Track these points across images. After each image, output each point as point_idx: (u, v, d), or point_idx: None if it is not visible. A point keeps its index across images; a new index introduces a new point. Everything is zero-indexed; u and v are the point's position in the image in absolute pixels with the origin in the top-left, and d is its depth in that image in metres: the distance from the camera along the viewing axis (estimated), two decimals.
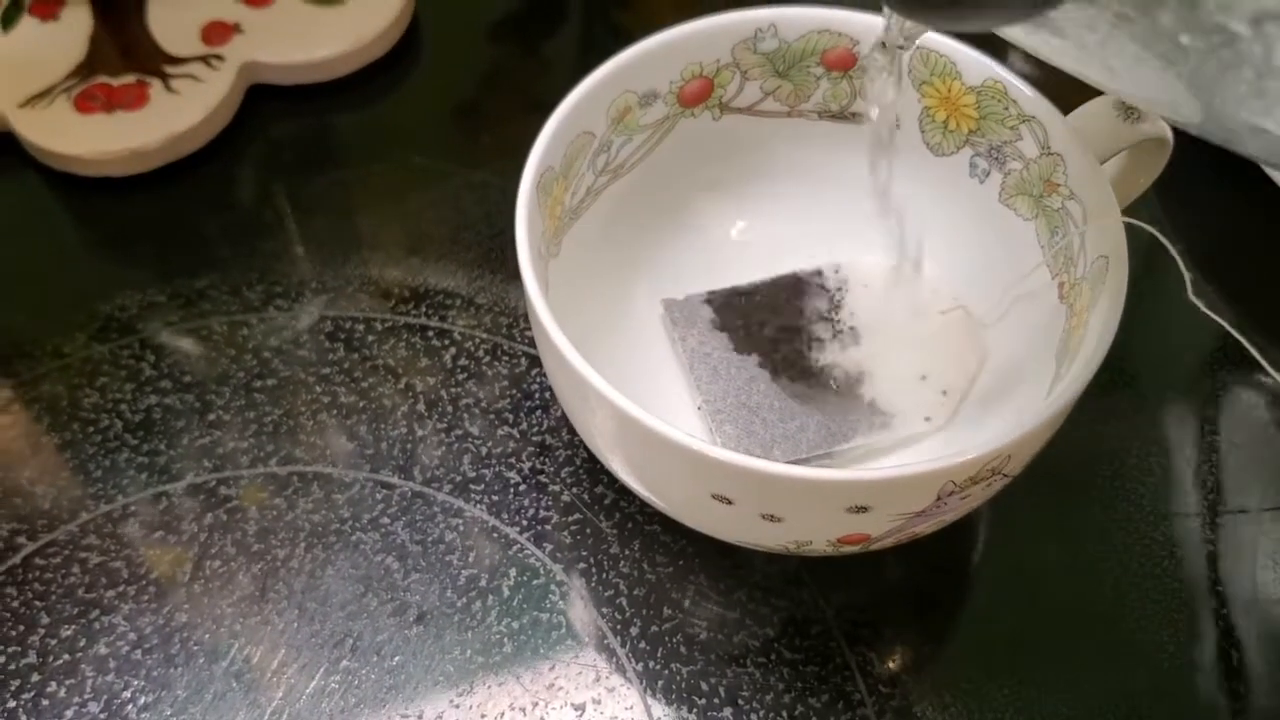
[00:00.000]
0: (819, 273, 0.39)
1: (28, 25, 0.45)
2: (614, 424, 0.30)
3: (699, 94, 0.37)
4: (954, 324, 0.37)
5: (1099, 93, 0.34)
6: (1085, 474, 0.37)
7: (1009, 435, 0.28)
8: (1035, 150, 0.35)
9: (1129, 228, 0.31)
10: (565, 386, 0.32)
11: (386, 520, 0.36)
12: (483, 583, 0.35)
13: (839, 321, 0.38)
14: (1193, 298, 0.31)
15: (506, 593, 0.35)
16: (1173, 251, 0.31)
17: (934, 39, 0.35)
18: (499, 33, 0.49)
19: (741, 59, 0.37)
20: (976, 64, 0.35)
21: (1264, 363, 0.31)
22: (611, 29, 0.51)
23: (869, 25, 0.36)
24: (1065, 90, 0.35)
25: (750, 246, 0.39)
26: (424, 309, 0.40)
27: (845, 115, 0.38)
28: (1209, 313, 0.31)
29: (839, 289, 0.38)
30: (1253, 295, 0.40)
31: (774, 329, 0.37)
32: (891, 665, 0.34)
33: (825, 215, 0.39)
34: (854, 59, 0.36)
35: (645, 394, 0.32)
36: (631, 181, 0.38)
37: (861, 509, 0.29)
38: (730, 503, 0.30)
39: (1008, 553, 0.37)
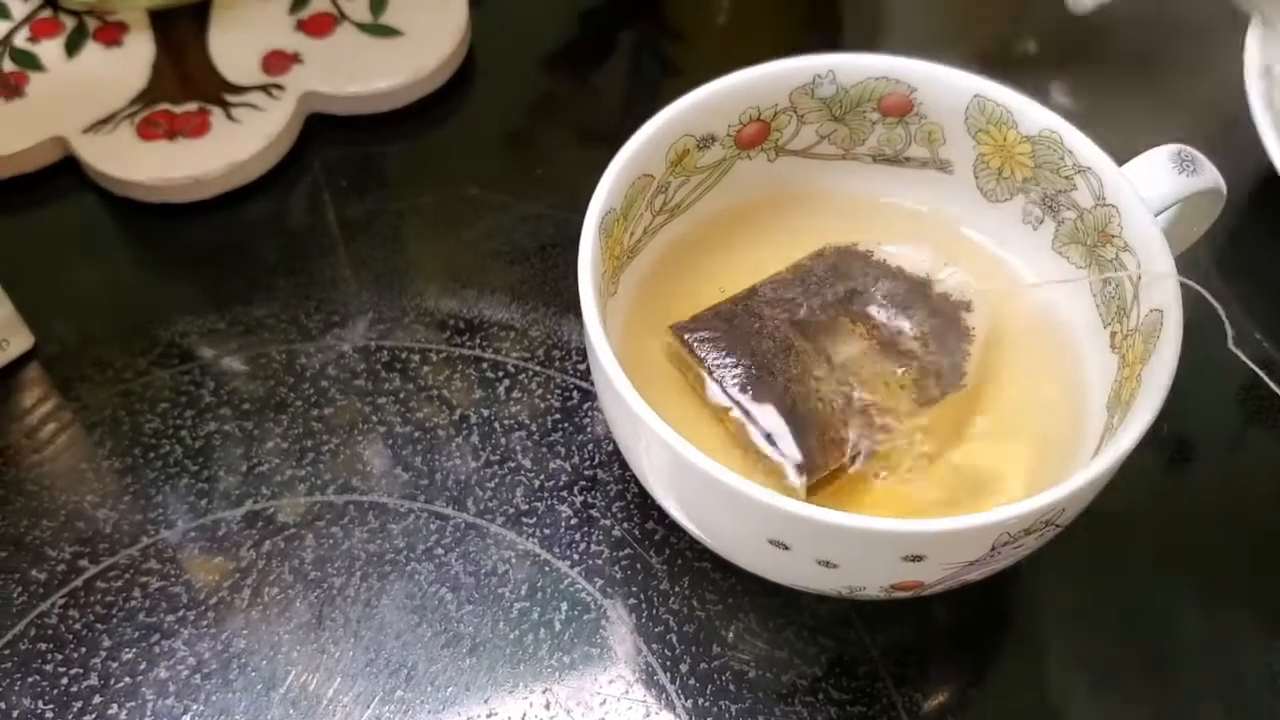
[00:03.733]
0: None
1: (91, 51, 0.46)
2: (669, 466, 0.31)
3: (756, 137, 0.38)
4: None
5: (1155, 144, 0.35)
6: (1133, 523, 0.38)
7: (1065, 489, 0.29)
8: (1090, 201, 0.35)
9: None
10: (621, 426, 0.32)
11: (441, 551, 0.37)
12: (534, 616, 0.36)
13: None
14: (1233, 347, 0.31)
15: (558, 626, 0.36)
16: (1217, 306, 0.31)
17: (989, 88, 0.36)
18: (551, 63, 0.50)
19: (799, 104, 0.37)
20: (1033, 114, 0.35)
21: None
22: (660, 60, 0.52)
23: (925, 73, 0.36)
24: (1121, 141, 0.35)
25: None
26: (478, 340, 0.41)
27: (898, 160, 0.39)
28: (1249, 362, 0.31)
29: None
30: None
31: (784, 325, 0.36)
32: (937, 706, 0.35)
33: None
34: (910, 105, 0.37)
35: (699, 432, 0.32)
36: (687, 220, 0.38)
37: (917, 558, 0.29)
38: (787, 548, 0.30)
39: (1055, 598, 0.37)
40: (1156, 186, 0.34)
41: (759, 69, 0.36)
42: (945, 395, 0.35)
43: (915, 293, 0.37)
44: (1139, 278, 0.33)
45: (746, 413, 0.34)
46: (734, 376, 0.35)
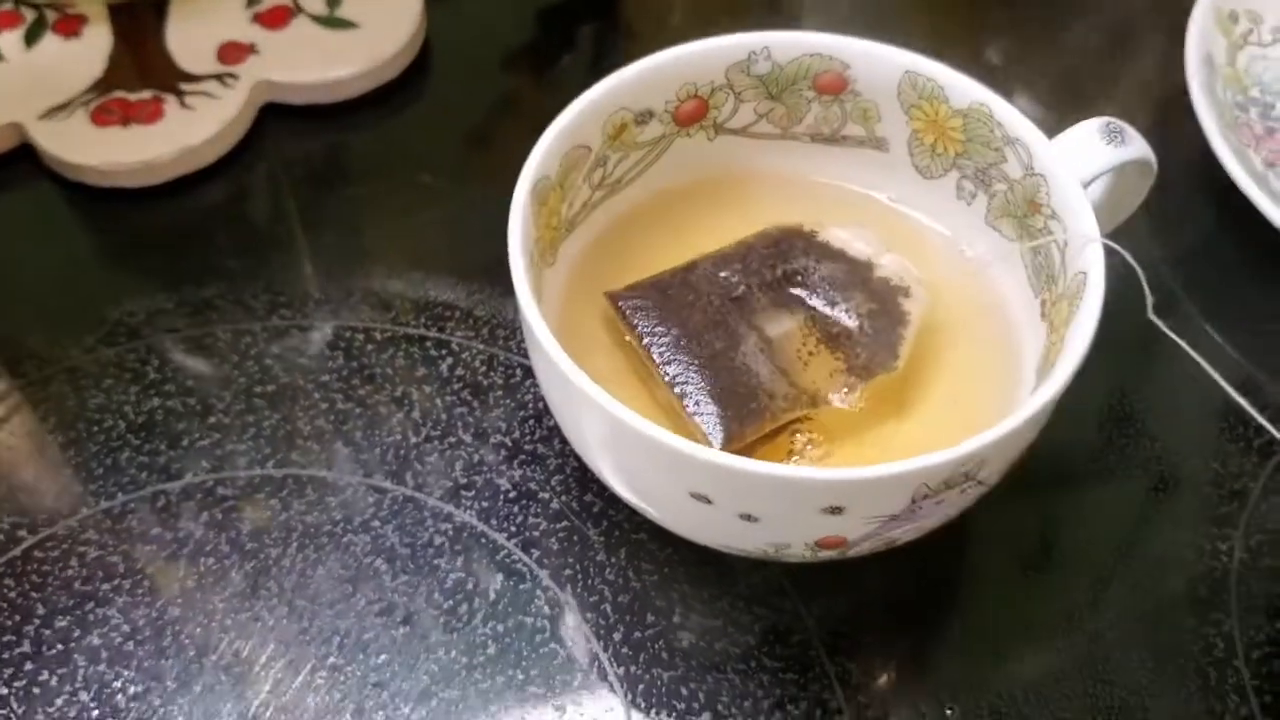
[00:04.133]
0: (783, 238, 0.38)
1: (50, 42, 0.47)
2: (595, 420, 0.31)
3: (694, 114, 0.38)
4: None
5: (1084, 117, 0.35)
6: (1071, 492, 0.38)
7: (978, 441, 0.29)
8: (1019, 171, 0.35)
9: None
10: (549, 382, 0.33)
11: (377, 523, 0.37)
12: (469, 586, 0.36)
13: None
14: (1152, 316, 0.31)
15: (492, 596, 0.36)
16: (1137, 269, 0.32)
17: (921, 63, 0.36)
18: (508, 59, 0.51)
19: (735, 81, 0.38)
20: (963, 87, 0.36)
21: (1224, 382, 0.32)
22: (617, 56, 0.52)
23: (858, 49, 0.37)
24: (1050, 115, 0.36)
25: None
26: (423, 320, 0.41)
27: (836, 139, 0.39)
28: (1169, 333, 0.31)
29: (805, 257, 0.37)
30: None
31: (720, 300, 0.36)
32: (869, 675, 0.35)
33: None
34: (845, 82, 0.37)
35: (631, 398, 0.33)
36: (628, 197, 0.39)
37: (836, 509, 0.30)
38: (709, 502, 0.30)
39: (990, 567, 0.37)
40: (1085, 156, 0.34)
41: (694, 45, 0.37)
42: (875, 376, 0.35)
43: (855, 275, 0.37)
44: (1065, 243, 0.34)
45: (672, 380, 0.35)
46: (662, 345, 0.35)
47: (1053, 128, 0.35)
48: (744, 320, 0.36)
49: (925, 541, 0.33)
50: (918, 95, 0.37)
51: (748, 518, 0.30)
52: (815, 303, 0.36)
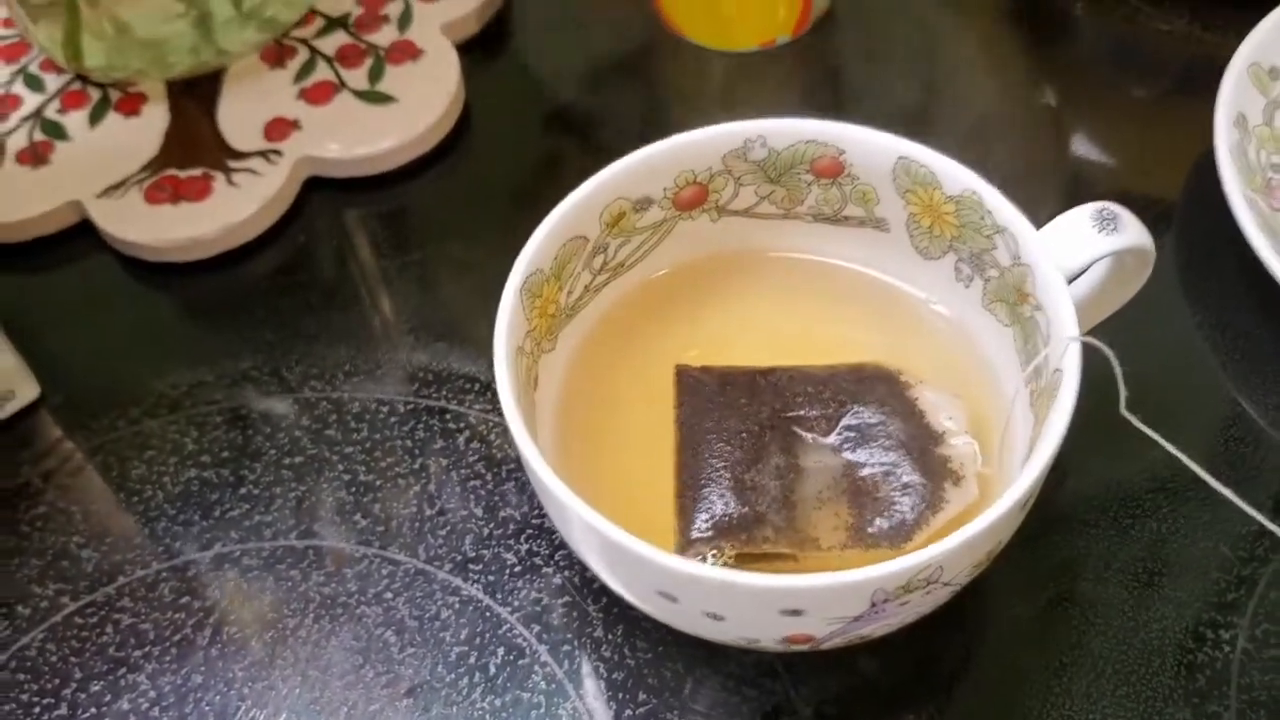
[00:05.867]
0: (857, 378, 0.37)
1: (112, 120, 0.50)
2: (565, 519, 0.32)
3: (695, 200, 0.39)
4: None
5: (1077, 203, 0.35)
6: (1066, 583, 0.38)
7: (936, 549, 0.29)
8: (1008, 260, 0.35)
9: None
10: (528, 472, 0.34)
11: (389, 595, 0.39)
12: (471, 660, 0.37)
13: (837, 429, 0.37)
14: (1124, 412, 0.31)
15: (493, 670, 0.37)
16: (1116, 368, 0.32)
17: (914, 150, 0.36)
18: (546, 126, 0.52)
19: (734, 167, 0.38)
20: (955, 174, 0.36)
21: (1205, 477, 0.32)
22: (668, 121, 0.53)
23: (852, 135, 0.37)
24: (1042, 204, 0.36)
25: (746, 337, 0.40)
26: (444, 392, 0.43)
27: (837, 219, 0.39)
28: (1142, 427, 0.31)
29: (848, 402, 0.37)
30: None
31: (771, 413, 0.37)
32: None
33: (821, 312, 0.40)
34: (841, 167, 0.38)
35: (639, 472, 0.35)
36: (633, 278, 0.40)
37: (795, 612, 0.30)
38: (675, 600, 0.31)
39: (986, 654, 0.37)
40: (1074, 245, 0.34)
41: (689, 135, 0.38)
42: (878, 548, 0.34)
43: (917, 443, 0.36)
44: (1048, 338, 0.34)
45: (680, 465, 0.36)
46: (691, 428, 0.36)
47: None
48: (780, 441, 0.36)
49: (921, 624, 0.34)
50: (911, 181, 0.37)
51: (713, 616, 0.31)
52: (861, 454, 0.36)
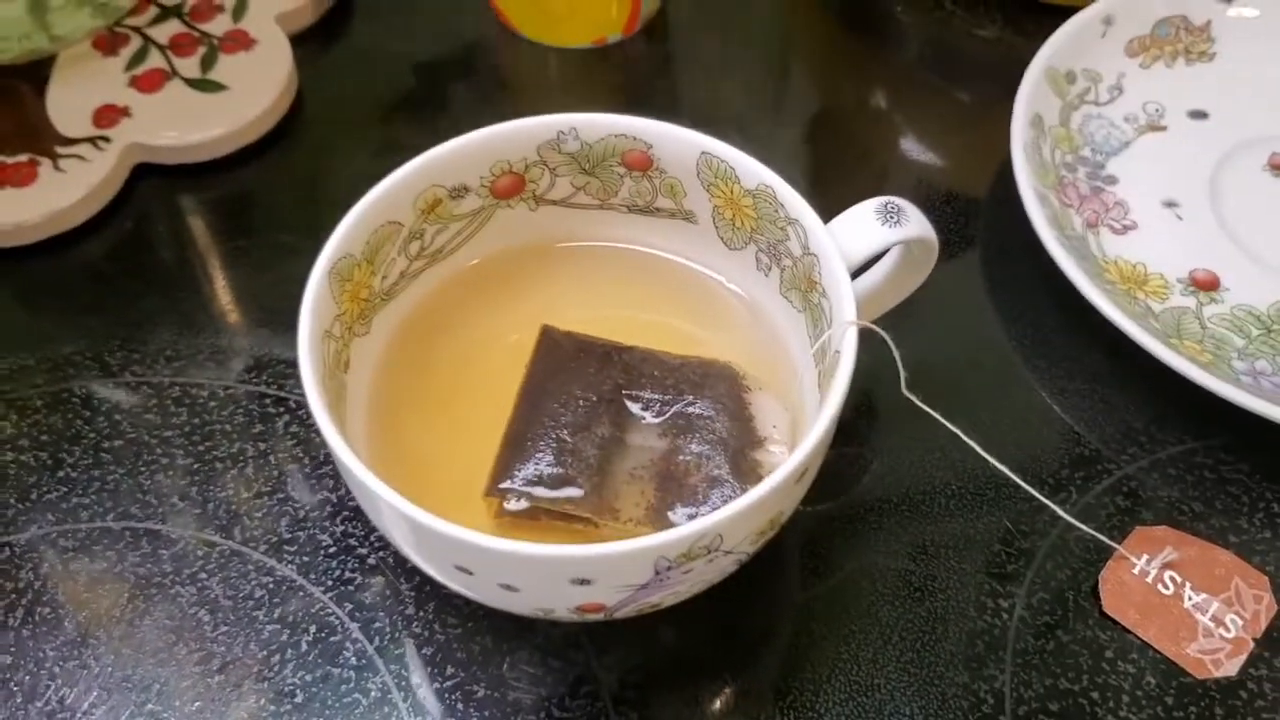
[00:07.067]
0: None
1: None
2: (360, 492, 0.33)
3: (512, 188, 0.40)
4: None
5: (863, 195, 0.37)
6: (858, 556, 0.40)
7: (709, 520, 0.31)
8: (799, 250, 0.37)
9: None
10: (333, 456, 0.35)
11: (204, 576, 0.39)
12: (284, 637, 0.38)
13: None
14: (905, 392, 0.33)
15: (304, 647, 0.38)
16: (895, 352, 0.34)
17: (714, 145, 0.38)
18: (382, 116, 0.53)
19: (548, 158, 0.40)
20: (752, 169, 0.38)
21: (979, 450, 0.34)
22: (496, 110, 0.54)
23: (658, 131, 0.39)
24: (858, 200, 0.37)
25: (565, 321, 0.42)
26: (265, 378, 0.44)
27: (650, 210, 0.41)
28: (922, 405, 0.33)
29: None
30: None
31: (614, 387, 0.38)
32: None
33: (639, 299, 0.42)
34: (650, 160, 0.39)
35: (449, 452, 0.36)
36: (453, 264, 0.41)
37: (584, 581, 0.32)
38: (471, 573, 0.33)
39: (782, 624, 0.39)
40: (860, 236, 0.36)
41: (503, 125, 0.39)
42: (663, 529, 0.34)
43: (738, 443, 0.37)
44: (830, 321, 0.36)
45: (513, 417, 0.38)
46: (533, 386, 0.38)
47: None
48: (613, 414, 0.38)
49: (719, 597, 0.35)
50: (714, 175, 0.39)
51: (508, 587, 0.33)
52: (681, 442, 0.37)
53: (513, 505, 0.36)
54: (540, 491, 0.36)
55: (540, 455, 0.36)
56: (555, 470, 0.36)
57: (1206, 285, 0.45)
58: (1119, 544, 0.39)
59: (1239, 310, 0.45)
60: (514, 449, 0.37)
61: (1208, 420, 0.43)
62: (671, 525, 0.35)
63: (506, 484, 0.36)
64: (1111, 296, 0.42)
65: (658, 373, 0.38)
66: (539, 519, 0.36)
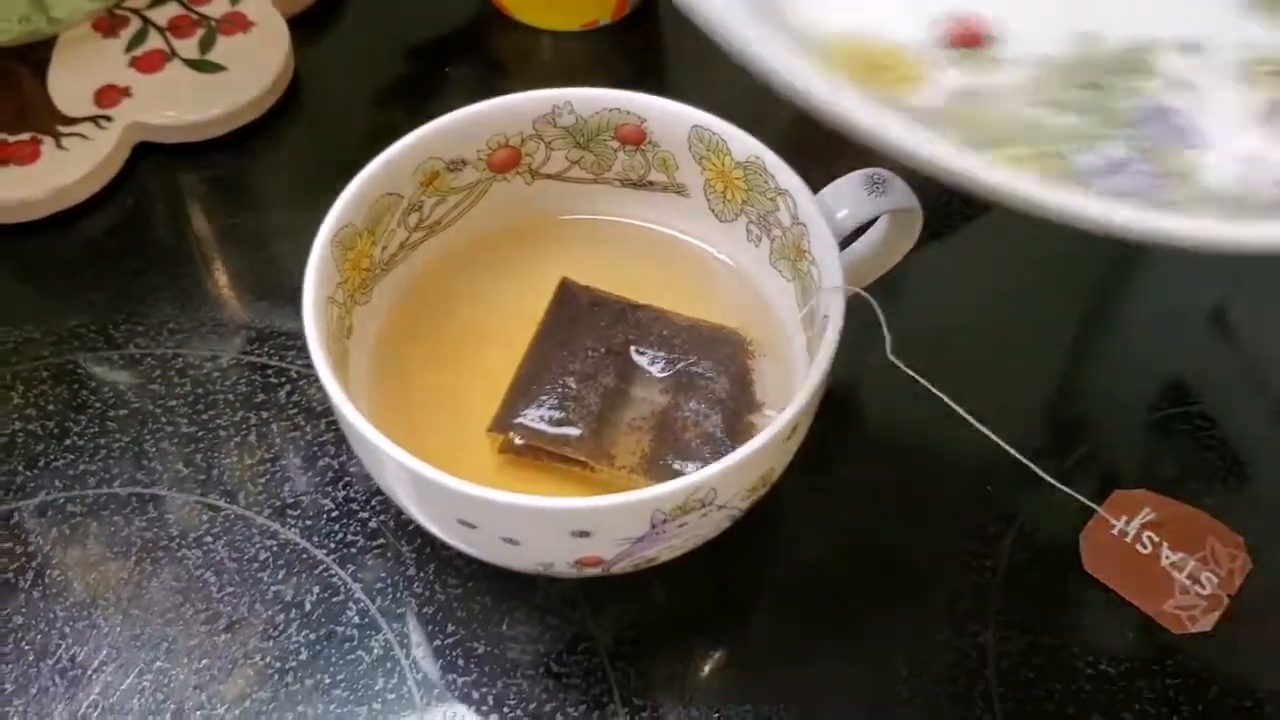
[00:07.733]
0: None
1: None
2: (368, 453, 0.34)
3: (508, 162, 0.41)
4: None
5: (855, 168, 0.38)
6: (848, 516, 0.41)
7: (704, 474, 0.32)
8: (789, 220, 0.38)
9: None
10: (337, 416, 0.36)
11: (209, 539, 0.40)
12: (288, 597, 0.39)
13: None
14: (891, 356, 0.35)
15: (308, 607, 0.39)
16: (880, 316, 0.35)
17: (706, 119, 0.39)
18: (379, 97, 0.54)
19: (544, 132, 0.41)
20: (742, 141, 0.39)
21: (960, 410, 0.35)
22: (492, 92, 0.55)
23: (651, 105, 0.40)
24: (821, 168, 0.39)
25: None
26: (267, 349, 0.45)
27: (643, 184, 0.42)
28: (907, 370, 0.35)
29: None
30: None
31: (624, 341, 0.40)
32: (646, 681, 0.38)
33: (632, 272, 0.43)
34: (643, 134, 0.41)
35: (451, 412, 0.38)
36: (449, 237, 0.42)
37: (583, 533, 0.33)
38: (474, 527, 0.34)
39: (775, 581, 0.40)
40: (848, 206, 0.38)
41: (501, 99, 0.40)
42: (654, 481, 0.35)
43: (735, 404, 0.38)
44: (819, 287, 0.37)
45: (524, 359, 0.39)
46: (547, 333, 0.40)
47: None
48: (620, 367, 0.39)
49: (713, 554, 0.37)
50: (705, 148, 0.40)
51: (510, 540, 0.34)
52: (681, 399, 0.39)
53: (514, 439, 0.37)
54: (540, 426, 0.37)
55: (545, 399, 0.38)
56: (558, 414, 0.38)
57: (967, 40, 0.29)
58: (1099, 506, 0.41)
59: (1035, 67, 0.27)
60: (521, 391, 0.38)
61: (1184, 387, 0.44)
62: (664, 475, 0.36)
63: (508, 420, 0.38)
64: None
65: (667, 332, 0.40)
66: (540, 458, 0.37)
